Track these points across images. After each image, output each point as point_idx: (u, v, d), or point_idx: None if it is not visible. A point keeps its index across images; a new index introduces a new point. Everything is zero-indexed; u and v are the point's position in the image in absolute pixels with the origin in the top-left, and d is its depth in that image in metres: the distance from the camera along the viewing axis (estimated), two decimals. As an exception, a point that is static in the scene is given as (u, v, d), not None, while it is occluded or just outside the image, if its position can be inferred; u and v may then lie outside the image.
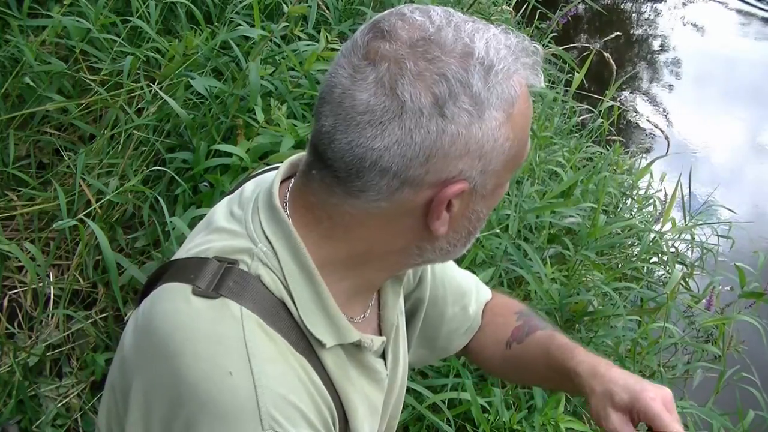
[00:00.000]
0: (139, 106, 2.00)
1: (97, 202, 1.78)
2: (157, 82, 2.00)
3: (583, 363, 1.01)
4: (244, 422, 0.71)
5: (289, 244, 0.80)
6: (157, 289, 0.82)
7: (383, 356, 0.94)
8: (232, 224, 0.84)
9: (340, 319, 0.82)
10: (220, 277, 0.77)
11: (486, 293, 1.22)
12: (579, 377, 1.00)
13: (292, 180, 0.86)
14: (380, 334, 0.93)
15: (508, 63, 0.75)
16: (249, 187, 0.90)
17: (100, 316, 1.81)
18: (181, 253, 0.88)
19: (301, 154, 0.88)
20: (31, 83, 1.90)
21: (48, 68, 1.94)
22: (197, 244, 0.85)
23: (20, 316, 1.78)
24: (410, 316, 1.11)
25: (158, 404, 0.75)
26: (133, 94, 2.00)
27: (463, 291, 1.16)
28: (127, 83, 1.97)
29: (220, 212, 0.89)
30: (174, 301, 0.78)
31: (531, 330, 1.14)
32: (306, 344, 0.80)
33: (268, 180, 0.88)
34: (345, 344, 0.83)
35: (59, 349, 1.76)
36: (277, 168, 0.90)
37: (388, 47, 0.73)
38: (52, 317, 1.79)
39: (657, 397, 0.92)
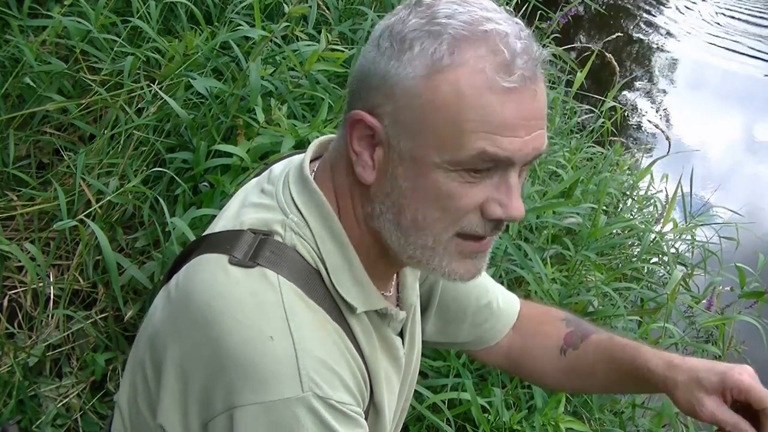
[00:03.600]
0: (139, 106, 2.00)
1: (97, 203, 1.78)
2: (157, 82, 2.00)
3: (654, 358, 1.02)
4: (285, 385, 0.73)
5: (319, 212, 0.82)
6: (192, 260, 0.83)
7: (401, 335, 0.95)
8: (263, 199, 0.86)
9: (369, 285, 0.84)
10: (257, 247, 0.79)
11: (515, 298, 1.22)
12: (653, 373, 1.00)
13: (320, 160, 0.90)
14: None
15: (457, 27, 0.75)
16: (278, 167, 0.93)
17: (100, 316, 1.81)
18: (212, 229, 0.89)
19: (331, 136, 0.91)
20: (32, 83, 1.90)
21: (48, 68, 1.94)
22: (229, 219, 0.86)
23: (20, 316, 1.78)
24: (425, 301, 1.12)
25: (197, 372, 0.76)
26: (133, 94, 2.00)
27: (485, 286, 1.17)
28: (128, 83, 1.97)
29: (251, 191, 0.91)
30: (211, 271, 0.80)
31: (585, 335, 1.14)
32: (338, 312, 0.82)
33: (297, 159, 0.90)
34: (370, 313, 0.86)
35: (59, 349, 1.76)
36: (305, 151, 0.93)
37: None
38: (52, 317, 1.79)
39: (744, 372, 0.94)
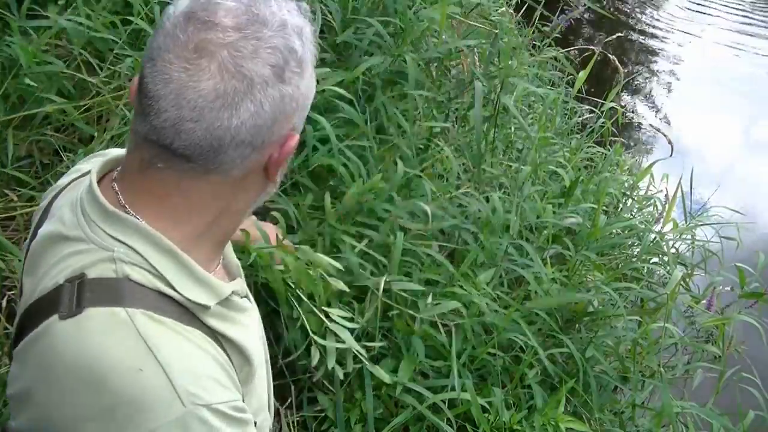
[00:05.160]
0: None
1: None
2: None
3: None
4: (167, 407, 0.77)
5: (142, 236, 0.84)
6: (30, 336, 0.83)
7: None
8: (72, 247, 0.86)
9: (211, 280, 0.89)
10: (78, 293, 0.81)
11: None
12: None
13: (114, 180, 0.89)
14: (231, 277, 1.01)
15: (306, 23, 0.85)
16: (65, 211, 0.91)
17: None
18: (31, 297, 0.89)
19: (114, 156, 0.93)
20: (32, 84, 1.90)
21: (48, 69, 1.94)
22: (44, 286, 0.85)
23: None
24: None
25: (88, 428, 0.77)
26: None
27: None
28: (127, 86, 1.96)
29: (50, 247, 0.89)
30: (55, 336, 0.80)
31: None
32: (191, 316, 0.86)
33: (83, 193, 0.89)
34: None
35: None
36: (80, 174, 0.96)
37: (220, 36, 0.79)
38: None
39: None
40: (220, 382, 0.83)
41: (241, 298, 0.98)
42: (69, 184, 0.97)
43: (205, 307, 0.87)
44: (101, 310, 0.80)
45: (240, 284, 0.97)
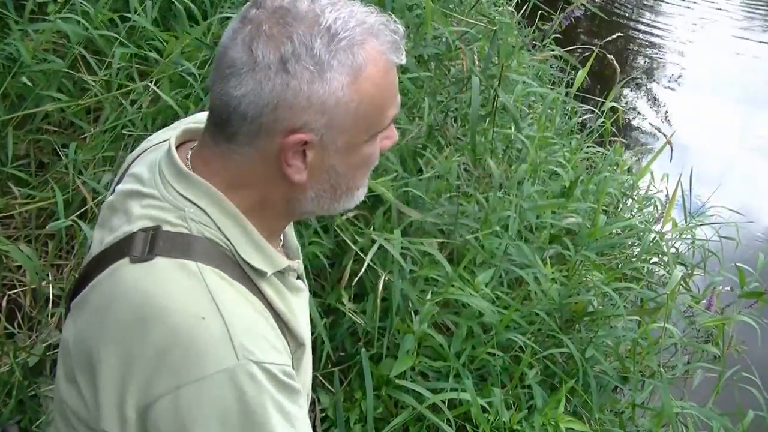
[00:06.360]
0: (132, 98, 1.99)
1: (93, 200, 1.77)
2: (153, 77, 1.99)
3: None
4: (222, 356, 0.80)
5: (210, 199, 0.90)
6: (98, 277, 0.88)
7: (298, 277, 1.06)
8: (148, 201, 0.91)
9: (271, 250, 0.93)
10: (151, 242, 0.86)
11: None
12: None
13: (191, 147, 0.95)
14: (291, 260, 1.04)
15: (355, 34, 0.85)
16: (142, 171, 0.96)
17: (100, 316, 1.80)
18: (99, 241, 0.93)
19: (195, 125, 0.99)
20: (29, 83, 1.89)
21: (46, 67, 1.93)
22: (117, 235, 0.90)
23: (20, 317, 1.77)
24: None
25: (134, 366, 0.81)
26: (127, 89, 1.99)
27: None
28: (118, 81, 1.96)
29: (125, 203, 0.94)
30: (125, 275, 0.85)
31: None
32: (251, 283, 0.90)
33: (161, 156, 0.95)
34: (276, 273, 0.94)
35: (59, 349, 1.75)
36: (161, 144, 1.00)
37: (255, 13, 0.86)
38: (51, 317, 1.79)
39: None
40: (275, 346, 0.86)
41: (297, 279, 1.02)
42: (150, 147, 1.02)
43: (262, 273, 0.91)
44: (172, 260, 0.85)
45: (298, 265, 1.02)
